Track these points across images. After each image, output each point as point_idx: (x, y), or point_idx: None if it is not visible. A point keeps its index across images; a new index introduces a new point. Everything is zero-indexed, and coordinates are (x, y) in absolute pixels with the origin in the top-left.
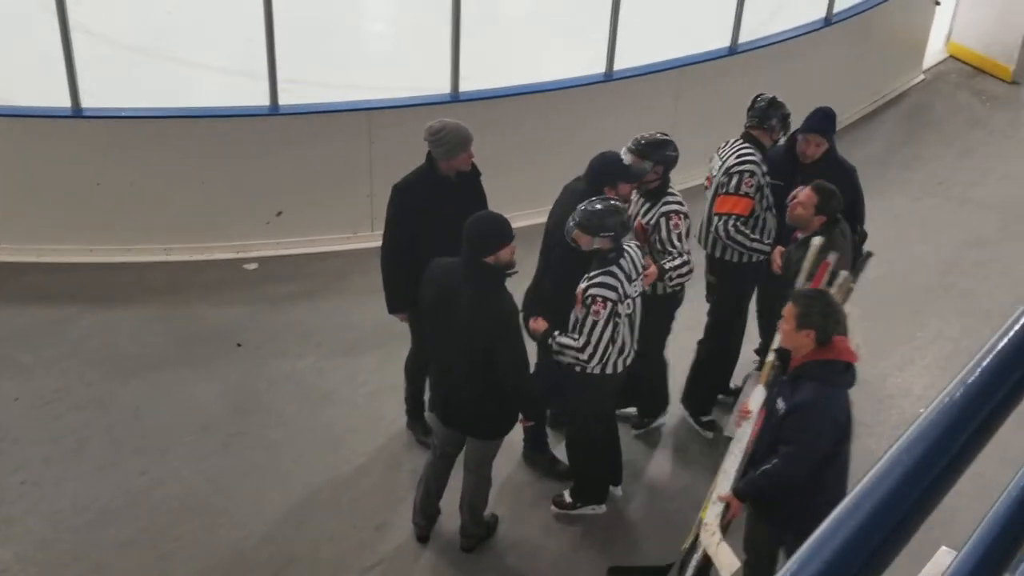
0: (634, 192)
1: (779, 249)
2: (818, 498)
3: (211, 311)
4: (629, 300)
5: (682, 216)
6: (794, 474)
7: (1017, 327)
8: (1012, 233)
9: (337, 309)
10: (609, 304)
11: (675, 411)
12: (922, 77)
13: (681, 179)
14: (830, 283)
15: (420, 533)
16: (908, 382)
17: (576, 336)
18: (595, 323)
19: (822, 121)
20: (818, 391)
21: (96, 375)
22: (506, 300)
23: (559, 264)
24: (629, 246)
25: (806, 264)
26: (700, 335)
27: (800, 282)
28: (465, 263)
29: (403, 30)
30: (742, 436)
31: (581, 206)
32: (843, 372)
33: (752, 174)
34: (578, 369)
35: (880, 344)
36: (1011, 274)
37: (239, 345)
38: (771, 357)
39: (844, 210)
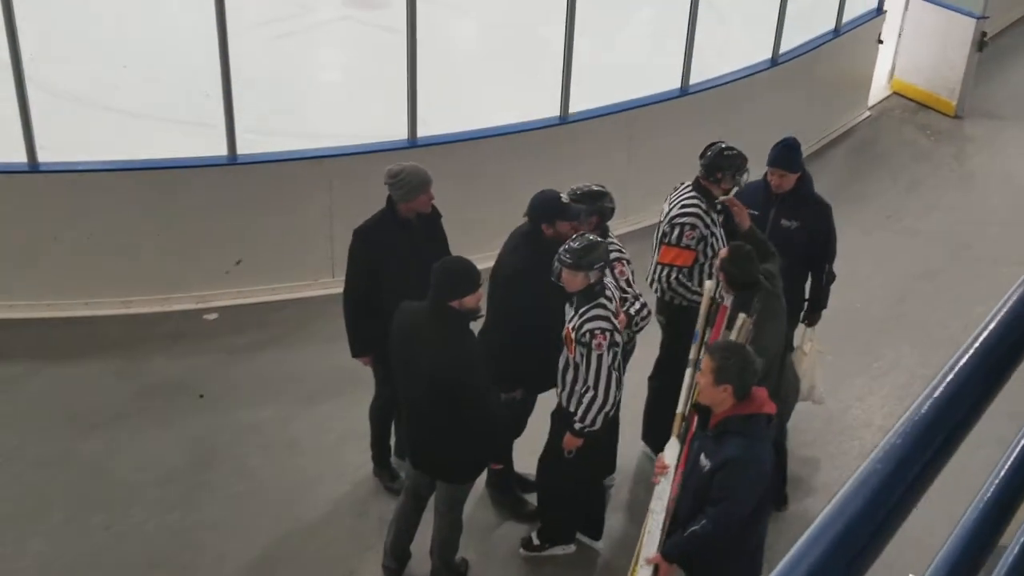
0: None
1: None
2: (745, 553)
3: (171, 363)
4: (622, 332)
5: (625, 263)
6: (725, 533)
7: (967, 357)
8: (960, 263)
9: (299, 357)
10: (608, 334)
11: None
12: (868, 113)
13: (637, 218)
14: (729, 327)
15: None
16: (868, 413)
17: (585, 388)
18: (600, 357)
19: (782, 152)
20: (744, 447)
21: (56, 430)
22: (470, 342)
23: (518, 313)
24: (608, 281)
25: (702, 310)
26: (648, 372)
27: (699, 326)
28: (430, 306)
29: (355, 79)
30: (662, 493)
31: (564, 247)
32: (766, 425)
33: (693, 226)
34: (582, 416)
35: (839, 376)
36: (960, 303)
37: (201, 396)
38: (681, 409)
39: (817, 247)
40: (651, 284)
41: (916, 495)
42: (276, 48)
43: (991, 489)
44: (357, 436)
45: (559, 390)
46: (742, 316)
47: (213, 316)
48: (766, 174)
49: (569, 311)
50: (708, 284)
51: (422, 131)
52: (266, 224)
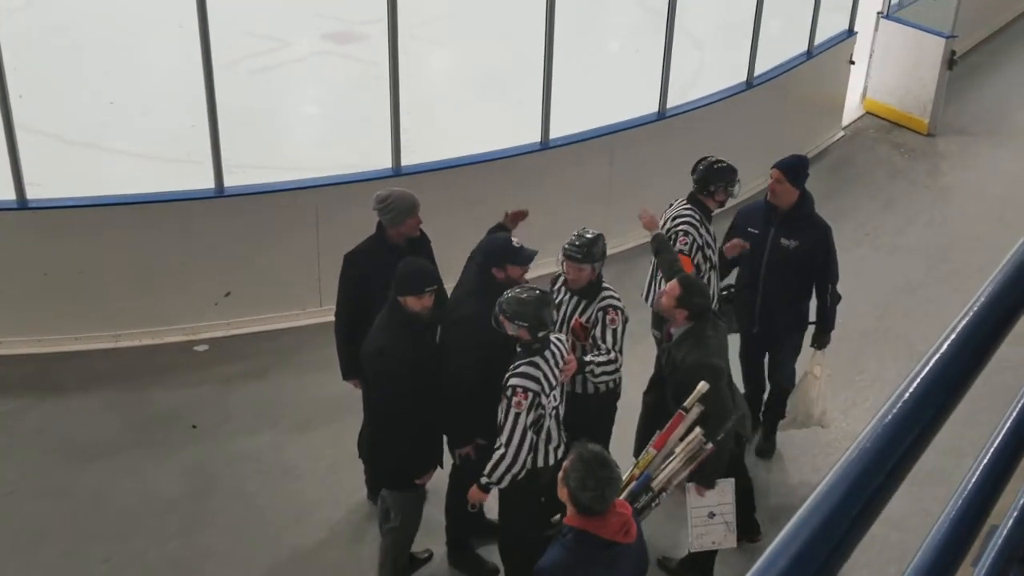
0: (563, 290)
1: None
2: None
3: (164, 394)
4: (555, 392)
5: (619, 312)
6: None
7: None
8: (938, 276)
9: (291, 385)
10: (530, 395)
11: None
12: (842, 133)
13: (617, 242)
14: (682, 437)
15: None
16: (853, 425)
17: (497, 446)
18: (517, 416)
19: (789, 160)
20: (562, 560)
21: (53, 464)
22: (401, 344)
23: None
24: (556, 338)
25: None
26: (643, 388)
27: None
28: (389, 301)
29: (336, 111)
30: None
31: (509, 292)
32: (601, 549)
33: (687, 233)
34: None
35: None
36: (940, 315)
37: (194, 427)
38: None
39: (816, 267)
40: (646, 299)
41: (884, 498)
42: (255, 83)
43: (976, 474)
44: (351, 461)
45: None
46: (697, 430)
47: (204, 348)
48: (766, 195)
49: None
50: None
51: (406, 160)
52: (254, 255)
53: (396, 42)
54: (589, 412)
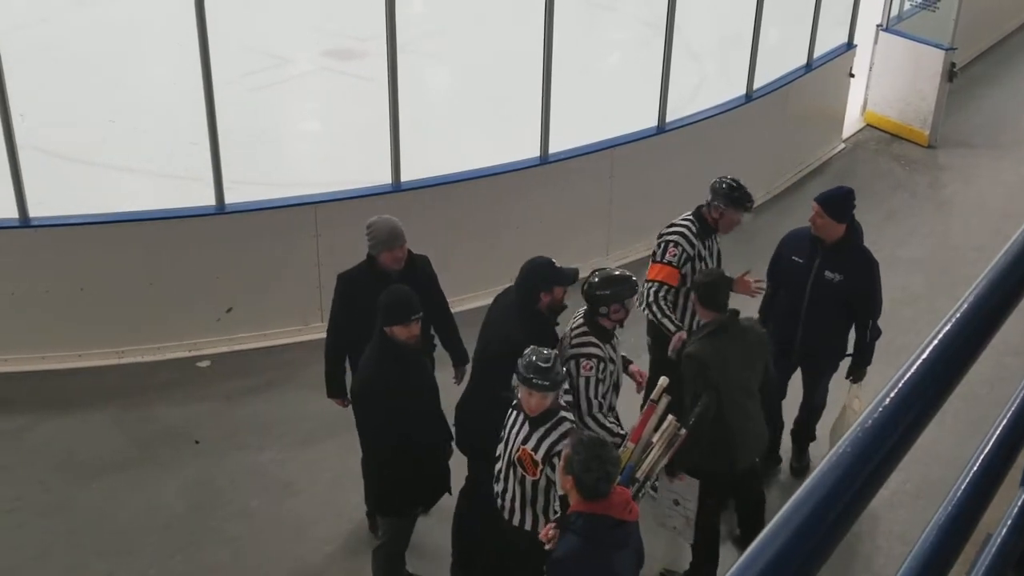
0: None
1: (680, 336)
2: None
3: (167, 410)
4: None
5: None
6: None
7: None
8: (940, 288)
9: (293, 400)
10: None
11: None
12: (843, 146)
13: (621, 255)
14: (656, 427)
15: None
16: None
17: (556, 510)
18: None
19: (831, 195)
20: (573, 546)
21: (56, 481)
22: (387, 373)
23: (499, 381)
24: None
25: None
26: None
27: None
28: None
29: (336, 128)
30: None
31: (528, 361)
32: (608, 531)
33: (677, 244)
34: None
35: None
36: None
37: (197, 442)
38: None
39: (859, 301)
40: (639, 306)
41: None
42: (256, 100)
43: (968, 478)
44: (353, 477)
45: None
46: (670, 418)
47: (206, 364)
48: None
49: (515, 428)
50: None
51: (405, 175)
52: (255, 271)
53: (395, 57)
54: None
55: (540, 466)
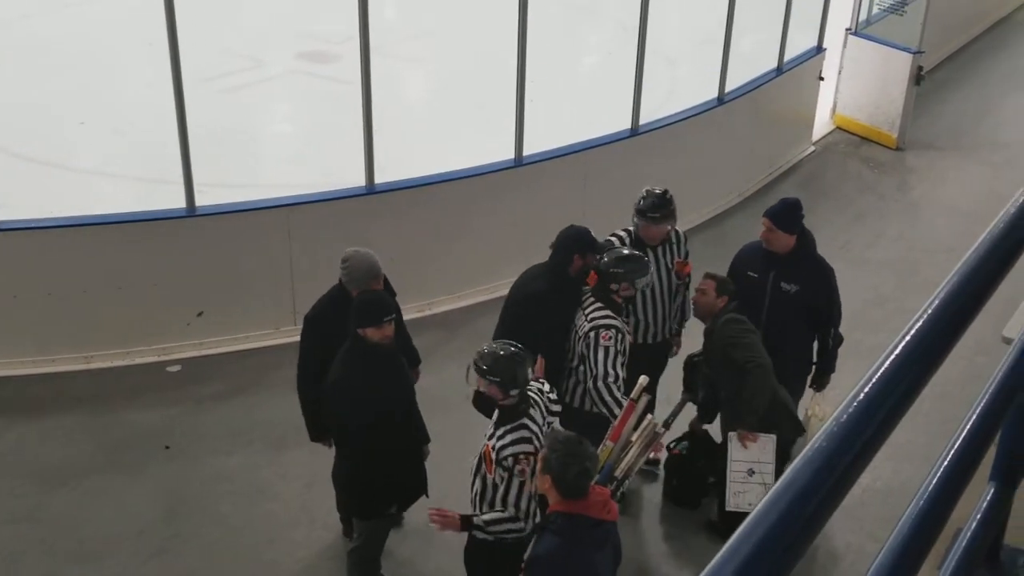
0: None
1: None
2: None
3: (137, 415)
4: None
5: (529, 458)
6: None
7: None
8: (909, 289)
9: (264, 404)
10: (532, 459)
11: None
12: (812, 148)
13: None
14: (636, 426)
15: None
16: None
17: (502, 508)
18: (522, 484)
19: (778, 208)
20: (553, 547)
21: (26, 487)
22: (357, 378)
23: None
24: (537, 388)
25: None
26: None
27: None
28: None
29: (310, 130)
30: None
31: (485, 350)
32: (590, 528)
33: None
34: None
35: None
36: None
37: (167, 447)
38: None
39: (819, 311)
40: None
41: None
42: (229, 101)
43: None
44: (325, 481)
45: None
46: (649, 416)
47: (176, 368)
48: (763, 240)
49: (489, 426)
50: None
51: (379, 178)
52: (226, 275)
53: (368, 58)
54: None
55: (494, 465)
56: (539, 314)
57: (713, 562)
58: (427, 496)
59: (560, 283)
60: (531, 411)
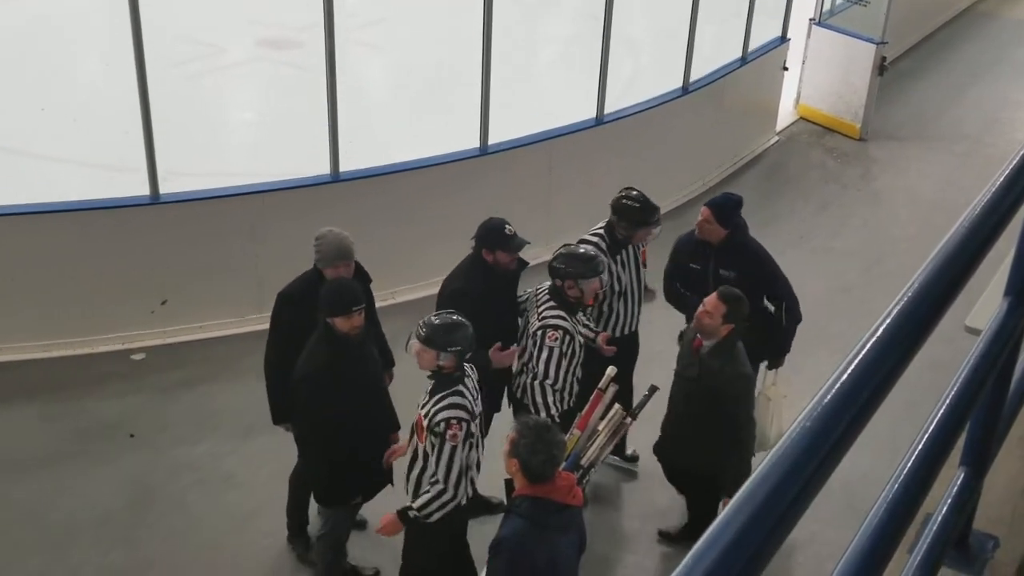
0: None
1: (603, 335)
2: None
3: (100, 404)
4: (479, 418)
5: (462, 424)
6: None
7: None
8: (873, 277)
9: (229, 392)
10: (464, 424)
11: None
12: (776, 138)
13: (559, 244)
14: (603, 416)
15: None
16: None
17: (433, 479)
18: (454, 450)
19: (719, 200)
20: (516, 530)
21: None
22: (318, 365)
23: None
24: (468, 366)
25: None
26: None
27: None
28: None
29: (273, 118)
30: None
31: (424, 318)
32: (555, 513)
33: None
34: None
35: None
36: (875, 314)
37: (132, 436)
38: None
39: (759, 293)
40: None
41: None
42: (191, 89)
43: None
44: (290, 469)
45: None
46: (616, 406)
47: (140, 356)
48: (695, 230)
49: (423, 396)
50: (610, 370)
51: (344, 166)
52: (191, 263)
53: (333, 47)
54: None
55: (426, 433)
56: (464, 312)
57: (684, 562)
58: (392, 485)
59: (477, 276)
60: (466, 380)
